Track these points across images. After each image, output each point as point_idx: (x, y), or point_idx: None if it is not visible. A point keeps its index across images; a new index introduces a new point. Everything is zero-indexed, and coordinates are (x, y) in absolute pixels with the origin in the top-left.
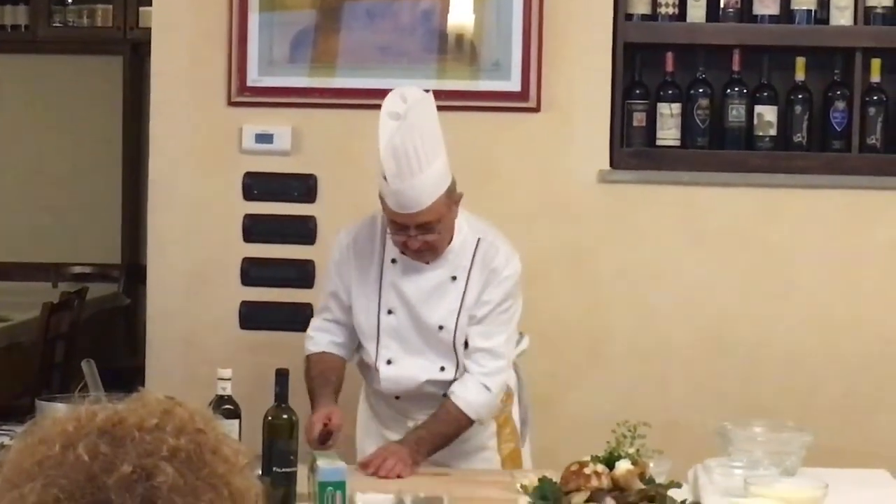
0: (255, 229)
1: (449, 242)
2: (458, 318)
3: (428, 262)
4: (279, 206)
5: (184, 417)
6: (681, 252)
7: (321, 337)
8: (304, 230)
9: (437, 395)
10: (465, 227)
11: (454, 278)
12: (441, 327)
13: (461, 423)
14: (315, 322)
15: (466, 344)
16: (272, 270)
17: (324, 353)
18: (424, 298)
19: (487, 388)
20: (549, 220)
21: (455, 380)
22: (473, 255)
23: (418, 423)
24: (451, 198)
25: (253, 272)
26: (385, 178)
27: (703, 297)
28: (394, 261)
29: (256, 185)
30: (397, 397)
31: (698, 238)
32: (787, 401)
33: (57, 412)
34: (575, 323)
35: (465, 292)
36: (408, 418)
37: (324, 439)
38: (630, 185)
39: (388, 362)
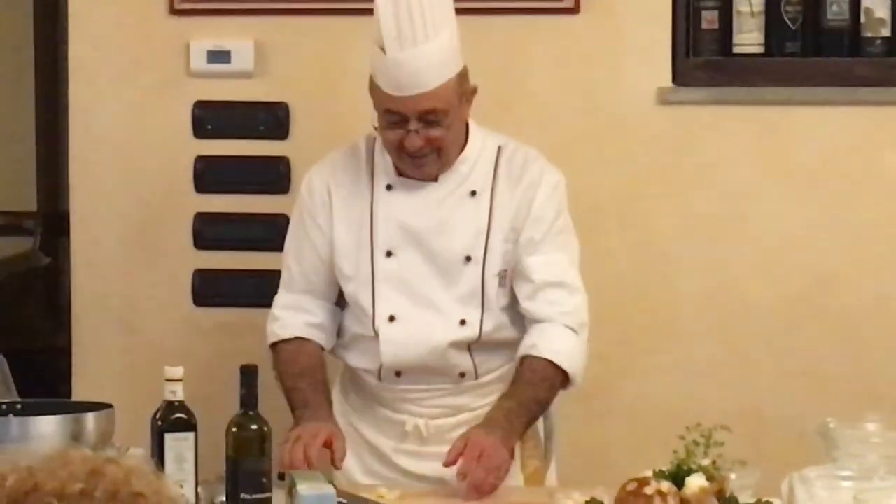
0: (210, 176)
1: (461, 151)
2: (486, 243)
3: (435, 177)
4: (241, 144)
5: (117, 478)
6: (766, 191)
7: (292, 318)
8: (273, 175)
9: (451, 372)
10: (481, 134)
11: (474, 193)
12: (468, 258)
13: (553, 382)
14: (281, 298)
15: (499, 281)
16: (234, 229)
17: (300, 340)
18: (438, 226)
19: (573, 331)
20: (595, 154)
21: (480, 339)
22: (496, 165)
23: (421, 424)
24: (463, 88)
25: (209, 232)
26: (381, 50)
27: (797, 250)
28: (389, 187)
29: (210, 118)
30: (398, 374)
31: (789, 173)
32: None
33: None
34: (630, 289)
35: (490, 209)
36: (410, 416)
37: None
38: (699, 107)
39: (392, 319)
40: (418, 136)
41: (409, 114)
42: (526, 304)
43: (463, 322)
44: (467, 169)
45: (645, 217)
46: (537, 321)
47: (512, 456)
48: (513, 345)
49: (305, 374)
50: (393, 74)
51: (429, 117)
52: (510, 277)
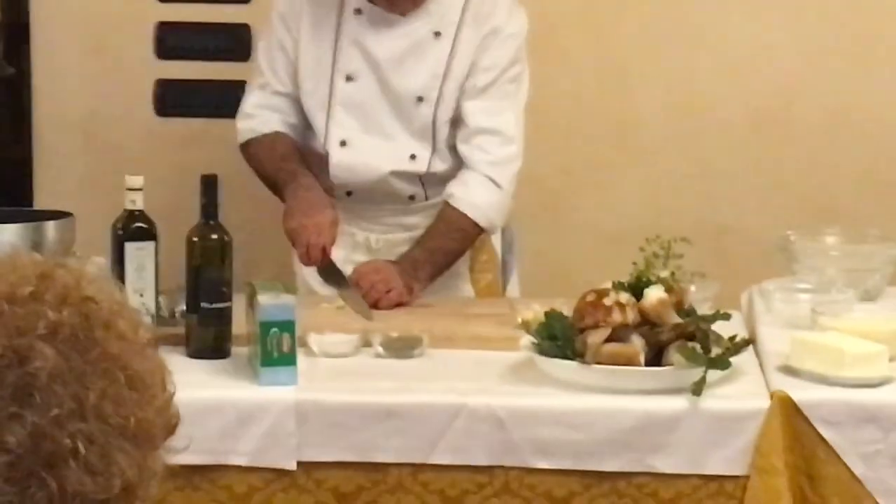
0: None
1: None
2: (441, 87)
3: (404, 13)
4: None
5: (67, 283)
6: (727, 3)
7: (269, 116)
8: None
9: (400, 195)
10: None
11: (437, 34)
12: (420, 98)
13: (467, 233)
14: (254, 97)
15: (453, 124)
16: (196, 38)
17: (277, 133)
18: (398, 60)
19: (496, 184)
20: None
21: (428, 173)
22: (463, 8)
23: (371, 237)
24: None
25: (170, 40)
26: None
27: (759, 62)
28: (358, 11)
29: None
30: (349, 193)
31: None
32: (871, 197)
33: None
34: (593, 102)
35: (451, 53)
36: (359, 229)
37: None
38: None
39: (343, 144)
40: None
41: None
42: (460, 147)
43: (413, 157)
44: (435, 8)
45: (606, 30)
46: (465, 167)
47: (409, 293)
48: None
49: (288, 157)
50: None
51: None
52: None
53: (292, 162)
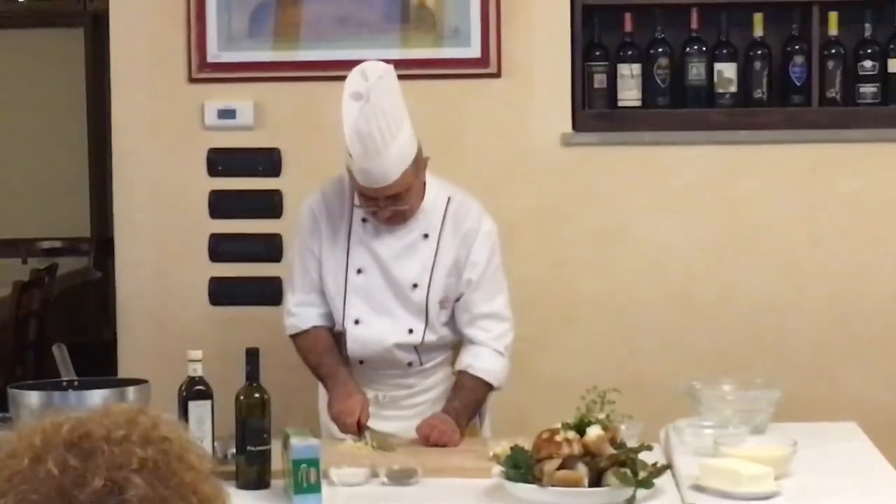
0: (220, 205)
1: (419, 206)
2: (431, 276)
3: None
4: (244, 181)
5: (147, 426)
6: (645, 211)
7: (308, 312)
8: (270, 204)
9: (401, 362)
10: (435, 186)
11: (426, 236)
12: (415, 285)
13: (485, 391)
14: (295, 297)
15: (440, 305)
16: (240, 245)
17: (317, 328)
18: (396, 256)
19: (500, 353)
20: (515, 184)
21: (423, 343)
22: (444, 214)
23: (380, 394)
24: (418, 165)
25: (220, 248)
26: (351, 156)
27: (669, 255)
28: (364, 220)
29: (221, 161)
30: (361, 362)
31: (662, 197)
32: (757, 355)
33: (30, 399)
34: (544, 285)
35: (437, 250)
36: (370, 388)
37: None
38: (593, 147)
39: (356, 322)
40: (386, 210)
41: (378, 196)
42: (465, 330)
43: (411, 331)
44: (423, 216)
45: (553, 232)
46: (472, 343)
47: (460, 437)
48: (447, 346)
49: (327, 353)
50: (362, 175)
51: (394, 198)
52: (451, 303)
53: (328, 356)
